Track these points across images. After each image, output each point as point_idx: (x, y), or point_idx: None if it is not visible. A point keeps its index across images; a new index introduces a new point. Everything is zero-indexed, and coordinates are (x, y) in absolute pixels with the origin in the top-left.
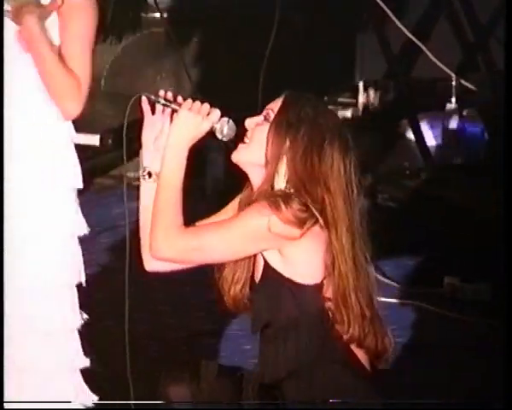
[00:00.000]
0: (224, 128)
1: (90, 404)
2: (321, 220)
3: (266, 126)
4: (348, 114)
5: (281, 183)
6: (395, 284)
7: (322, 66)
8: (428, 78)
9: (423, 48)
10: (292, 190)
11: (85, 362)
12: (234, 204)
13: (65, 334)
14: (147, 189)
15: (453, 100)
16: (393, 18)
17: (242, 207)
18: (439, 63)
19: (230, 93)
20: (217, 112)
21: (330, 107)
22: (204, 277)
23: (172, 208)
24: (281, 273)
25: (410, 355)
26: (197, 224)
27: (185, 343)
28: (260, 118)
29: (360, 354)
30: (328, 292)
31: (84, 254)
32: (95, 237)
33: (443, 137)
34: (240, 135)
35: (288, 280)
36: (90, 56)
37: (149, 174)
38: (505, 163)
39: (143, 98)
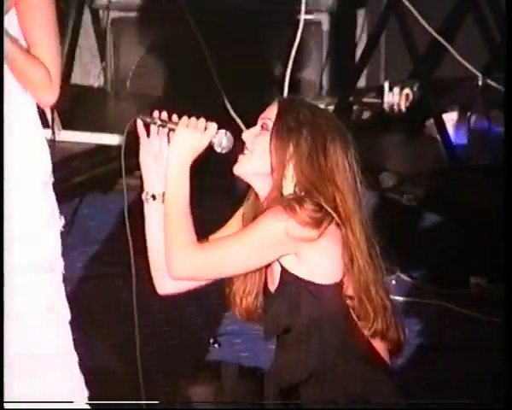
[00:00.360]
0: (223, 141)
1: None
2: (336, 218)
3: (266, 135)
4: (374, 114)
5: (289, 187)
6: (420, 284)
7: (347, 66)
8: (454, 78)
9: (449, 47)
10: (302, 193)
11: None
12: (237, 218)
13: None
14: (152, 211)
15: (479, 100)
16: (419, 17)
17: (248, 218)
18: (465, 63)
19: (256, 93)
20: (214, 125)
21: (355, 107)
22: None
23: (184, 227)
24: (299, 277)
25: (435, 356)
26: (210, 238)
27: (207, 344)
28: (257, 128)
29: (381, 350)
30: (349, 290)
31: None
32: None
33: (468, 138)
34: (238, 147)
35: (308, 283)
36: (55, 42)
37: (153, 197)
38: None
39: (138, 121)
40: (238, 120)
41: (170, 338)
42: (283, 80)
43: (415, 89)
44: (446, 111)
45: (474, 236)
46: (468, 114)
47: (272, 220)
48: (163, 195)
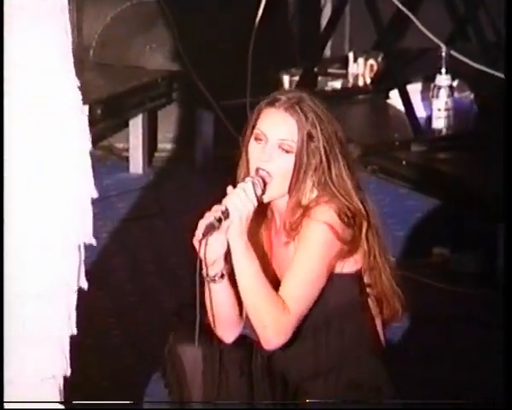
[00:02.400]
0: (259, 188)
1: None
2: (363, 212)
3: (289, 157)
4: (338, 85)
5: (306, 198)
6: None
7: (312, 37)
8: (418, 48)
9: (413, 18)
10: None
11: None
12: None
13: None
14: (220, 289)
15: (443, 71)
16: None
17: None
18: (428, 34)
19: (220, 64)
20: (247, 185)
21: (320, 78)
22: None
23: (271, 301)
24: None
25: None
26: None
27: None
28: (274, 149)
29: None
30: (367, 277)
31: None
32: None
33: (432, 109)
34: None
35: (330, 274)
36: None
37: (222, 276)
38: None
39: (196, 238)
40: (204, 91)
41: None
42: (248, 52)
43: (379, 59)
44: (410, 82)
45: (437, 205)
46: (432, 84)
47: (318, 226)
48: (226, 270)
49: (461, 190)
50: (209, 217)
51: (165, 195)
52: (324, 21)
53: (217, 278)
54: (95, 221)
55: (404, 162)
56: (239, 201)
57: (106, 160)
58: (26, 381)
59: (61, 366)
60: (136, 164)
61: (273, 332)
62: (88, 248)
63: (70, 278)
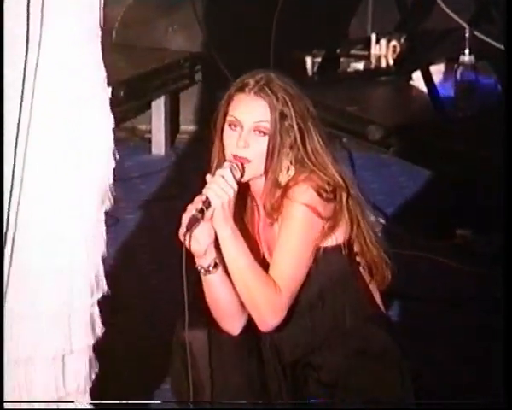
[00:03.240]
0: (238, 172)
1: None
2: (342, 183)
3: (264, 139)
4: (360, 66)
5: (284, 178)
6: (407, 236)
7: (335, 18)
8: (442, 29)
9: None
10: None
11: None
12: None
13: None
14: (216, 279)
15: (466, 52)
16: None
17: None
18: (452, 14)
19: (243, 46)
20: (225, 171)
21: (342, 60)
22: None
23: (262, 282)
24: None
25: (421, 307)
26: (272, 263)
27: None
28: (250, 135)
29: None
30: (356, 246)
31: None
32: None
33: (456, 90)
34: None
35: (317, 248)
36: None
37: (215, 266)
38: None
39: (181, 232)
40: (226, 72)
41: None
42: (270, 33)
43: (402, 41)
44: (433, 63)
45: (460, 187)
46: (456, 66)
47: (299, 207)
48: (219, 259)
49: (484, 171)
50: (191, 210)
51: (187, 176)
52: (347, 3)
53: (211, 268)
54: (117, 202)
55: (426, 143)
56: (218, 188)
57: (128, 141)
58: (48, 356)
59: (85, 340)
60: (159, 145)
61: (268, 313)
62: (110, 229)
63: (93, 256)
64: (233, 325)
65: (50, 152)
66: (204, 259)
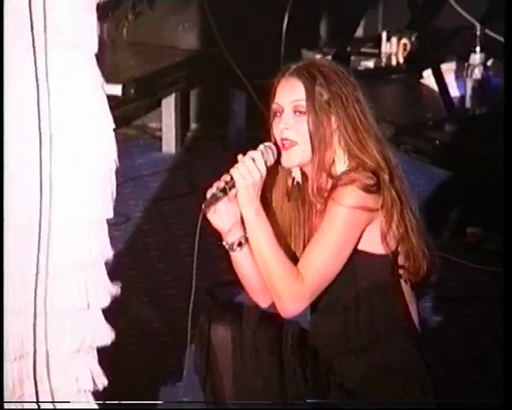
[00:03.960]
0: (270, 157)
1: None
2: (387, 177)
3: (303, 118)
4: (371, 64)
5: (341, 167)
6: None
7: (346, 16)
8: (452, 27)
9: None
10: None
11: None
12: (279, 210)
13: (92, 267)
14: (242, 257)
15: (477, 50)
16: None
17: (298, 205)
18: (463, 12)
19: (253, 44)
20: (256, 153)
21: (353, 58)
22: None
23: (284, 267)
24: (356, 248)
25: (433, 305)
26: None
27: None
28: (289, 115)
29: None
30: (401, 258)
31: None
32: (117, 187)
33: (466, 88)
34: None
35: (362, 252)
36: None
37: (240, 244)
38: None
39: (203, 207)
40: (237, 70)
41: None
42: (281, 32)
43: (413, 39)
44: (444, 61)
45: (471, 186)
46: (466, 64)
47: (343, 210)
48: (245, 238)
49: (495, 169)
50: (213, 187)
51: (197, 174)
52: (358, 1)
53: (235, 246)
54: (127, 200)
55: (437, 142)
56: (245, 169)
57: (139, 139)
58: (63, 351)
59: (98, 336)
60: (169, 143)
61: (286, 299)
62: (120, 227)
63: (96, 253)
64: (258, 298)
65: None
66: (229, 236)
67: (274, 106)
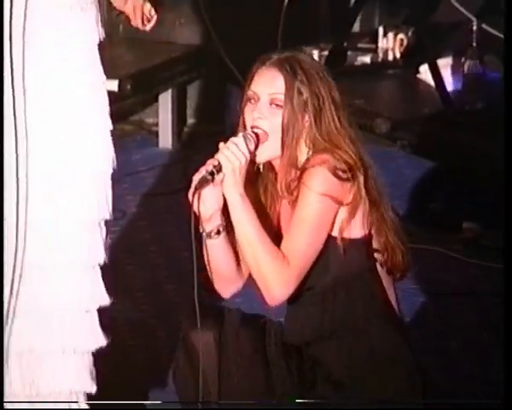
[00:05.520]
0: (252, 143)
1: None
2: (360, 167)
3: (279, 112)
4: (368, 59)
5: (303, 156)
6: (413, 229)
7: (342, 10)
8: (449, 22)
9: None
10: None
11: (105, 301)
12: (258, 199)
13: (86, 270)
14: (217, 244)
15: (474, 45)
16: None
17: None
18: (460, 7)
19: (249, 40)
20: (238, 139)
21: (350, 53)
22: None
23: (269, 251)
24: (328, 233)
25: (430, 301)
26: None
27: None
28: (266, 106)
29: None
30: (375, 242)
31: None
32: (114, 183)
33: (463, 83)
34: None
35: (337, 238)
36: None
37: (218, 232)
38: None
39: (190, 192)
40: (232, 66)
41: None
42: (277, 27)
43: (409, 34)
44: (441, 56)
45: (468, 181)
46: (463, 59)
47: (313, 196)
48: (223, 226)
49: (492, 164)
50: (201, 171)
51: (194, 170)
52: None
53: (213, 234)
54: (124, 196)
55: (433, 137)
56: (230, 153)
57: (135, 135)
58: (56, 353)
59: (91, 340)
60: (166, 139)
61: (274, 283)
62: (117, 222)
63: (91, 253)
64: (222, 288)
65: (49, 152)
66: (209, 223)
67: (249, 92)
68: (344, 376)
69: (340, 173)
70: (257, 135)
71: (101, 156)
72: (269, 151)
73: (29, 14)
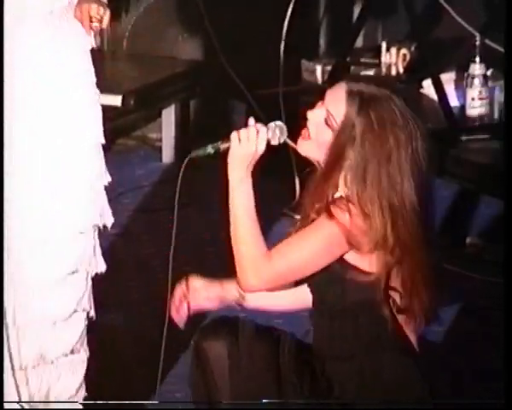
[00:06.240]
0: (276, 137)
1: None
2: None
3: (329, 131)
4: (371, 74)
5: (342, 189)
6: None
7: (345, 26)
8: (452, 37)
9: (447, 7)
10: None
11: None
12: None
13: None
14: None
15: (477, 60)
16: None
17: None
18: (462, 22)
19: (253, 54)
20: (263, 129)
21: (353, 68)
22: None
23: (253, 239)
24: (346, 260)
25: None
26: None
27: None
28: (322, 115)
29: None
30: (395, 282)
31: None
32: (117, 198)
33: (466, 98)
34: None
35: (354, 267)
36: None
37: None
38: None
39: (193, 157)
40: (237, 80)
41: None
42: (280, 41)
43: (412, 49)
44: (444, 71)
45: (471, 196)
46: (466, 74)
47: (327, 223)
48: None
49: (495, 179)
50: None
51: (198, 185)
52: (357, 11)
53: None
54: (127, 211)
55: (436, 152)
56: (245, 136)
57: (139, 150)
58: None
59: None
60: (169, 154)
61: (248, 271)
62: (119, 238)
63: (82, 262)
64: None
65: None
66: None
67: (326, 95)
68: (353, 398)
69: (358, 222)
70: (301, 130)
71: (92, 165)
72: (307, 149)
73: (19, 20)
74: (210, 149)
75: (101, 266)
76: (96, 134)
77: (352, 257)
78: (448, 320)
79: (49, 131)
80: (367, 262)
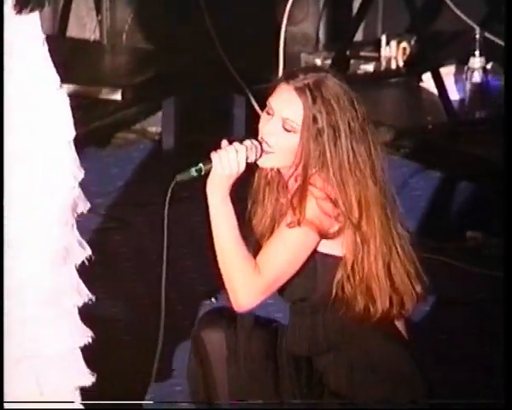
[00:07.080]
0: (252, 155)
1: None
2: (353, 219)
3: (292, 137)
4: (370, 68)
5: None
6: (417, 238)
7: (345, 19)
8: (452, 31)
9: (447, 0)
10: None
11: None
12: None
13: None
14: None
15: (477, 53)
16: None
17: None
18: (462, 15)
19: (253, 49)
20: (242, 147)
21: (352, 61)
22: None
23: (241, 260)
24: (317, 250)
25: (435, 311)
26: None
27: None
28: (278, 125)
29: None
30: (363, 264)
31: (105, 209)
32: (117, 190)
33: (466, 92)
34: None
35: (325, 255)
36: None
37: None
38: None
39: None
40: (235, 75)
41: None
42: (279, 34)
43: (412, 42)
44: (444, 65)
45: (471, 189)
46: (466, 67)
47: (301, 229)
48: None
49: (494, 173)
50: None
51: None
52: (357, 4)
53: None
54: (126, 204)
55: (436, 145)
56: (226, 159)
57: (138, 143)
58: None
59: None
60: (169, 148)
61: (241, 292)
62: (119, 232)
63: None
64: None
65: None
66: None
67: (268, 105)
68: (346, 389)
69: (329, 211)
70: (262, 147)
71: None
72: (272, 162)
73: None
74: (193, 173)
75: (87, 251)
76: (64, 131)
77: (323, 245)
78: (447, 314)
79: (18, 130)
80: (339, 247)
